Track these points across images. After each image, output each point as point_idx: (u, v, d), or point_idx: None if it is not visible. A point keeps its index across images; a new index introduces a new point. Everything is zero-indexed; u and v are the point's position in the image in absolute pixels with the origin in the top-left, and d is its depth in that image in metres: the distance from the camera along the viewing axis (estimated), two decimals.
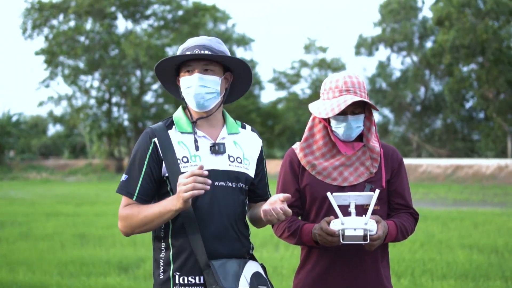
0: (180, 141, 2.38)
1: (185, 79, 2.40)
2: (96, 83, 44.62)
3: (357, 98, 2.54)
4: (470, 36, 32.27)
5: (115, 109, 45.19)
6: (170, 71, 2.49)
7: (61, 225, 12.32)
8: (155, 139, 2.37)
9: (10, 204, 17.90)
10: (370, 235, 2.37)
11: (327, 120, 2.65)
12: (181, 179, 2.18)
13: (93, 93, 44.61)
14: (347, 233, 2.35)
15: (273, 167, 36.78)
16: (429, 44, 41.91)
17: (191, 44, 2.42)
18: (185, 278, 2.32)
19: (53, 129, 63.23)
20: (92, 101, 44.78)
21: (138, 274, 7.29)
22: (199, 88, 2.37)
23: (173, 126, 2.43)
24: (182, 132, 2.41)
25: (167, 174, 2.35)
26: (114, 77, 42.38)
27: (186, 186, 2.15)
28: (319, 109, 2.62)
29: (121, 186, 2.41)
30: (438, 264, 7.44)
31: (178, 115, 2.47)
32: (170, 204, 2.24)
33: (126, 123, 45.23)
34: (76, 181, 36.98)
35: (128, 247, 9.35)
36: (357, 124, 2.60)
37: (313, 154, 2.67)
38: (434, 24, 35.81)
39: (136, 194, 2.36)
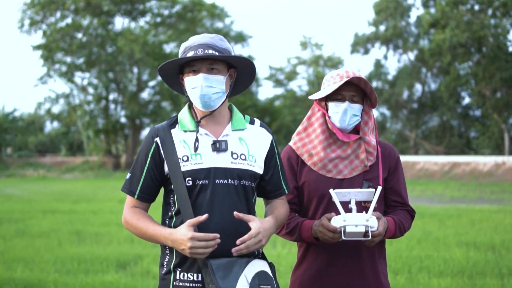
0: (183, 139, 2.40)
1: (190, 79, 2.40)
2: (93, 80, 44.56)
3: (357, 75, 2.57)
4: (466, 34, 32.24)
5: (112, 106, 45.13)
6: (173, 70, 2.48)
7: (58, 222, 12.31)
8: (157, 139, 2.40)
9: (7, 201, 17.88)
10: (371, 231, 2.38)
11: (326, 109, 2.67)
12: (194, 241, 2.21)
13: (90, 90, 44.54)
14: (348, 229, 2.35)
15: None
16: (424, 42, 41.94)
17: (194, 42, 2.41)
18: (185, 274, 2.34)
19: (50, 126, 63.17)
20: (89, 98, 44.71)
21: (136, 271, 7.29)
22: (206, 88, 2.37)
23: (177, 125, 2.45)
24: (185, 131, 2.42)
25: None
26: (110, 74, 42.31)
27: (196, 250, 2.21)
28: (318, 93, 2.66)
29: (124, 185, 2.46)
30: (435, 261, 7.46)
31: (183, 113, 2.48)
32: (165, 238, 2.30)
33: (123, 120, 45.17)
34: (73, 178, 36.93)
35: (125, 244, 9.35)
36: (353, 111, 2.61)
37: (311, 143, 2.68)
38: (428, 27, 35.69)
39: (137, 192, 2.41)
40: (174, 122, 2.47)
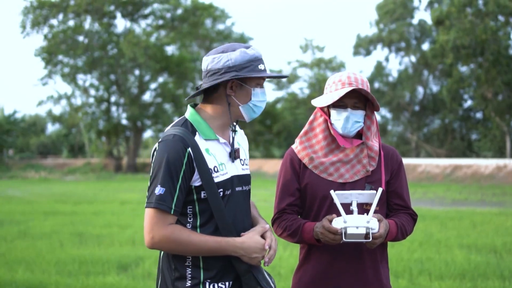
0: (207, 148, 2.33)
1: (260, 92, 2.40)
2: (94, 82, 44.62)
3: (359, 81, 2.58)
4: (470, 36, 32.25)
5: (113, 108, 45.18)
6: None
7: (59, 224, 12.32)
8: (190, 149, 2.26)
9: (8, 203, 17.90)
10: (372, 233, 2.38)
11: (328, 114, 2.67)
12: (259, 249, 2.29)
13: (92, 92, 44.62)
14: (349, 231, 2.35)
15: (272, 166, 36.74)
16: (426, 45, 41.97)
17: (259, 56, 2.38)
18: (215, 284, 2.31)
19: (52, 128, 63.26)
20: (91, 100, 44.78)
21: (137, 273, 7.29)
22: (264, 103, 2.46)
23: (197, 133, 2.34)
24: (206, 139, 2.35)
25: (195, 184, 2.28)
26: (112, 76, 42.33)
27: (260, 255, 2.30)
28: (320, 100, 2.65)
29: (159, 201, 2.22)
30: (436, 264, 7.45)
31: (196, 119, 2.37)
32: (235, 248, 2.28)
33: (124, 122, 45.21)
34: (74, 180, 36.95)
35: (126, 246, 9.35)
36: (356, 118, 2.61)
37: (312, 148, 2.68)
38: (434, 24, 35.72)
39: (173, 207, 2.24)
40: (192, 129, 2.34)
